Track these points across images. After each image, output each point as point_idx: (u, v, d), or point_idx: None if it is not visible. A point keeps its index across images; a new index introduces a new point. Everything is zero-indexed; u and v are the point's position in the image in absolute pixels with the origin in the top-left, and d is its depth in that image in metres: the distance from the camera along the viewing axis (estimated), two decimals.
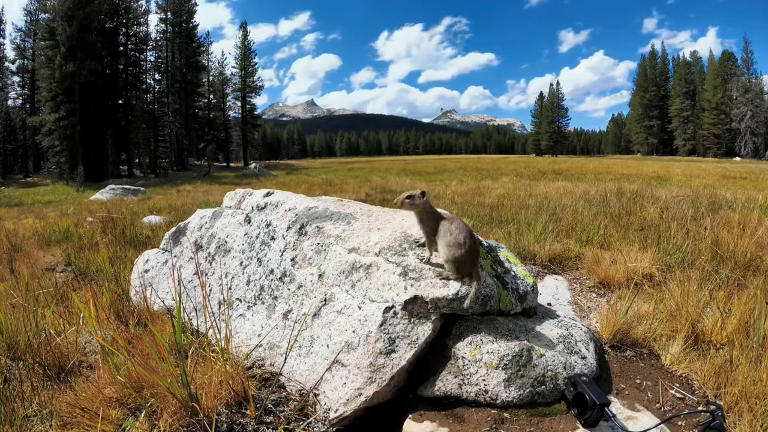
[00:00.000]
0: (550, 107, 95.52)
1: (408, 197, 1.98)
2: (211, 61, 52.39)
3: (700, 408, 1.82)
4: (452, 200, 8.59)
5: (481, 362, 1.87)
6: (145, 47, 42.64)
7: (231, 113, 55.85)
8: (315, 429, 1.79)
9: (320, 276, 2.22)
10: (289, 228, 2.54)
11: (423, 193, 1.99)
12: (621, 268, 3.41)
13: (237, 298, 2.51)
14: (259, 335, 2.24)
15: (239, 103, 55.94)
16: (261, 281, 2.45)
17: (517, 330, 2.04)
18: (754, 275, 3.17)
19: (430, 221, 1.99)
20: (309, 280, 2.24)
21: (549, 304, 2.83)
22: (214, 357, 1.97)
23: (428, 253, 2.05)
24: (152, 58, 44.33)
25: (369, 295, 2.01)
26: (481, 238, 2.38)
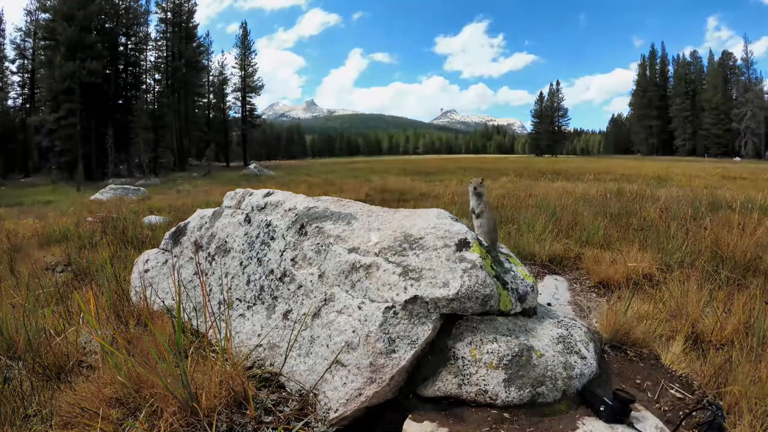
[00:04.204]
0: (550, 107, 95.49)
1: (479, 184, 2.57)
2: (210, 61, 52.42)
3: (699, 408, 1.82)
4: (452, 200, 8.58)
5: (480, 362, 1.87)
6: (145, 47, 42.68)
7: (231, 113, 55.89)
8: (315, 429, 1.79)
9: (320, 276, 2.22)
10: (289, 228, 2.54)
11: (482, 181, 2.60)
12: (621, 268, 3.42)
13: (237, 298, 2.51)
14: (259, 335, 2.24)
15: (239, 103, 55.96)
16: (261, 281, 2.45)
17: (516, 330, 2.04)
18: (754, 275, 3.18)
19: (483, 201, 2.54)
20: (309, 280, 2.24)
21: (549, 304, 2.83)
22: (214, 357, 1.97)
23: (476, 220, 2.52)
24: (152, 58, 44.37)
25: (369, 295, 2.01)
26: (481, 238, 2.38)
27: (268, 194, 2.98)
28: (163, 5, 45.37)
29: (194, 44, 46.95)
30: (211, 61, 52.57)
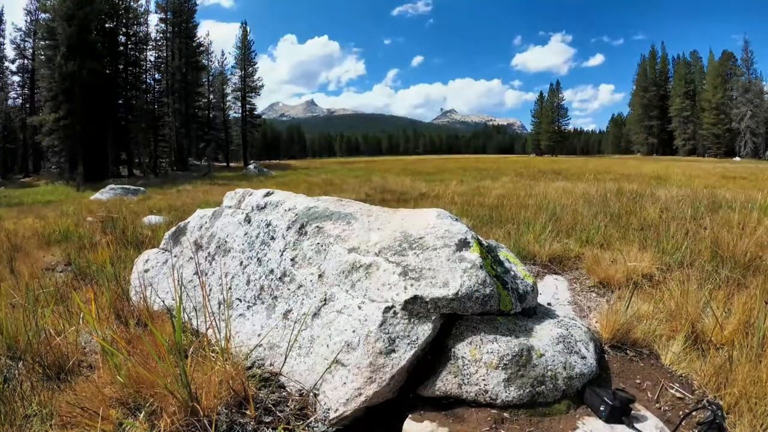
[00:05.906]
0: (550, 107, 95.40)
1: None
2: (211, 61, 52.38)
3: (699, 408, 1.82)
4: (452, 200, 8.58)
5: (480, 362, 1.87)
6: (145, 47, 42.58)
7: (231, 113, 55.81)
8: (315, 429, 1.79)
9: (320, 276, 2.22)
10: (288, 228, 2.54)
11: None
12: (621, 268, 3.41)
13: (237, 298, 2.51)
14: (259, 335, 2.24)
15: (239, 103, 55.92)
16: (261, 281, 2.45)
17: (516, 330, 2.04)
18: (754, 275, 3.17)
19: None
20: (309, 280, 2.24)
21: (549, 304, 2.83)
22: (214, 357, 1.97)
23: None
24: (152, 58, 44.31)
25: (369, 295, 2.01)
26: (481, 238, 2.38)
27: (267, 194, 2.98)
28: (163, 5, 45.31)
29: (194, 44, 46.87)
30: (211, 61, 52.52)
